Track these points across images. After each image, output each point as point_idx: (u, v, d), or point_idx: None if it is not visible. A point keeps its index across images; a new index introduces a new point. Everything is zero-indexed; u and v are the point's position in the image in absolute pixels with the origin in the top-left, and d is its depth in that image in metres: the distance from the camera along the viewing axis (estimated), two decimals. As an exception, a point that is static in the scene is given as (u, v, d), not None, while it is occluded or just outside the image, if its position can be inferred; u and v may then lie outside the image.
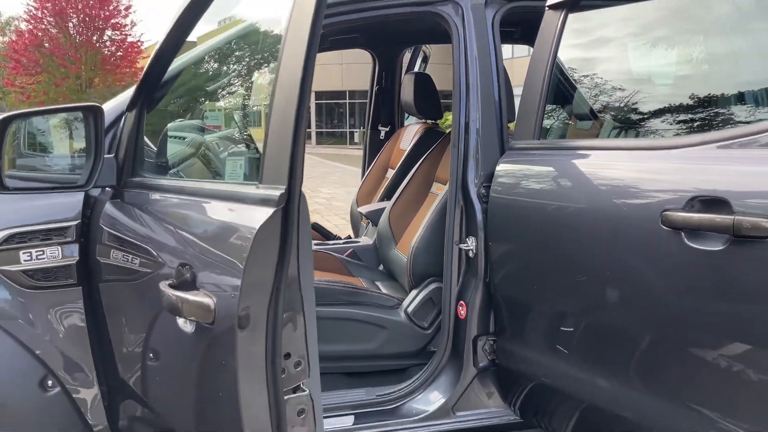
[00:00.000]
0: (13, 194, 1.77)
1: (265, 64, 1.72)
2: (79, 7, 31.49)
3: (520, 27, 2.84)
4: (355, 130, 37.27)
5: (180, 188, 1.66)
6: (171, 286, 1.33)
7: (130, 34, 41.85)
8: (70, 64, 30.98)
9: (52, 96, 29.60)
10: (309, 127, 39.60)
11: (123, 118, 1.78)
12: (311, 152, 26.60)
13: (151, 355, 1.59)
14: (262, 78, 1.76)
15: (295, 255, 1.20)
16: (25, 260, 1.75)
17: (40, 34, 31.29)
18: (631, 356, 1.69)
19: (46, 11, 31.06)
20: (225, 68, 2.11)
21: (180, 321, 1.29)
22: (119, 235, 1.71)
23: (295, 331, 1.27)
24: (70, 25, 31.64)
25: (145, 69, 1.72)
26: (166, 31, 1.65)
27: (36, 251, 1.75)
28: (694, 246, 1.45)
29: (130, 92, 1.88)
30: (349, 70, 37.23)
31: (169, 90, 1.91)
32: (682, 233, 1.48)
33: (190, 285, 1.30)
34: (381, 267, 3.02)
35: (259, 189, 1.20)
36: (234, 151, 2.01)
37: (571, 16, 1.97)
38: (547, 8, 2.01)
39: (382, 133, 4.02)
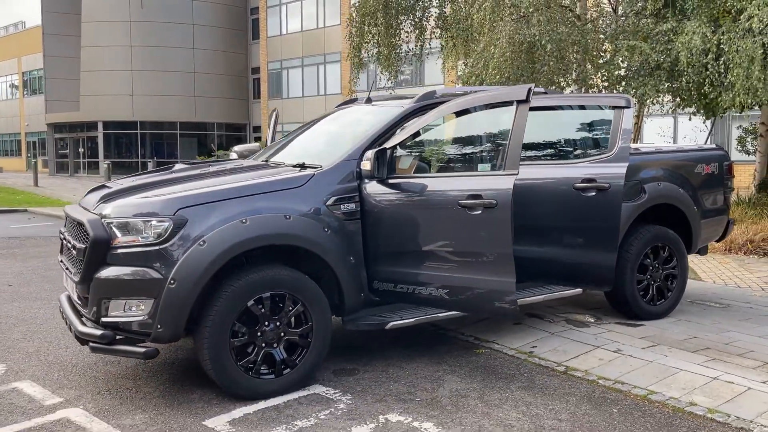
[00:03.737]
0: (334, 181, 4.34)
1: (499, 129, 4.43)
2: None
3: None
4: (147, 160, 37.63)
5: (451, 175, 4.44)
6: (467, 200, 4.02)
7: None
8: None
9: None
10: (98, 157, 39.01)
11: (386, 152, 4.36)
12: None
13: (422, 239, 4.25)
14: (495, 132, 4.52)
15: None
16: (342, 208, 4.30)
17: None
18: (552, 237, 4.78)
19: None
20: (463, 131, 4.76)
21: (472, 211, 4.01)
22: (381, 196, 4.35)
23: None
24: None
25: (401, 136, 4.38)
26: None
27: (347, 204, 4.32)
28: (584, 195, 4.59)
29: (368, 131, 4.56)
30: (140, 100, 37.74)
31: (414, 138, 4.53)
32: (580, 191, 4.60)
33: (480, 198, 3.99)
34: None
35: (505, 171, 3.96)
36: (482, 158, 4.69)
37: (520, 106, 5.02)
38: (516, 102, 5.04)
39: None
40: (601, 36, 11.44)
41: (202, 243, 3.83)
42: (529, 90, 4.01)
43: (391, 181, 4.35)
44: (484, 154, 4.63)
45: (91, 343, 3.96)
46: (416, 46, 13.29)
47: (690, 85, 10.20)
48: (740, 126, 17.61)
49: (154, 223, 3.85)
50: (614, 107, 4.76)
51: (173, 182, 4.39)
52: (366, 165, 4.21)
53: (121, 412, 3.87)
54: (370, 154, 4.19)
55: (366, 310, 4.56)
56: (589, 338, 5.15)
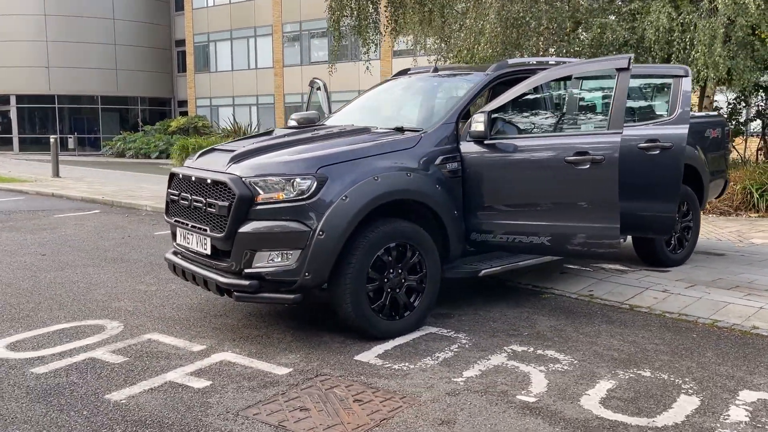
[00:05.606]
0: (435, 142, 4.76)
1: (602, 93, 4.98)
2: None
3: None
4: (68, 136, 35.99)
5: (553, 135, 4.91)
6: (573, 156, 4.52)
7: None
8: None
9: None
10: (11, 133, 36.95)
11: (490, 115, 4.78)
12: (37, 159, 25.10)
13: (529, 192, 4.74)
14: (597, 96, 5.01)
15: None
16: (448, 167, 4.74)
17: None
18: (621, 191, 5.40)
19: None
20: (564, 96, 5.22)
21: (578, 166, 4.51)
22: (482, 156, 4.80)
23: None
24: None
25: (505, 99, 4.83)
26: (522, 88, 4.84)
27: (451, 163, 4.76)
28: (648, 154, 5.24)
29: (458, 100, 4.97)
30: (57, 73, 36.00)
31: (515, 102, 4.95)
32: (644, 150, 5.25)
33: (587, 155, 4.48)
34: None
35: (611, 130, 4.45)
36: (583, 120, 5.12)
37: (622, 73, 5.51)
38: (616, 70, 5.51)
39: None
40: (575, 14, 12.18)
41: (345, 198, 4.18)
42: (630, 59, 4.56)
43: (492, 141, 4.80)
44: (587, 116, 5.17)
45: (235, 293, 4.25)
46: (390, 20, 13.66)
47: (656, 60, 11.11)
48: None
49: (298, 180, 4.17)
50: (674, 76, 5.42)
51: (293, 144, 4.69)
52: (478, 126, 4.65)
53: (269, 354, 4.19)
54: (480, 117, 4.64)
55: (460, 259, 5.04)
56: (633, 282, 5.84)
